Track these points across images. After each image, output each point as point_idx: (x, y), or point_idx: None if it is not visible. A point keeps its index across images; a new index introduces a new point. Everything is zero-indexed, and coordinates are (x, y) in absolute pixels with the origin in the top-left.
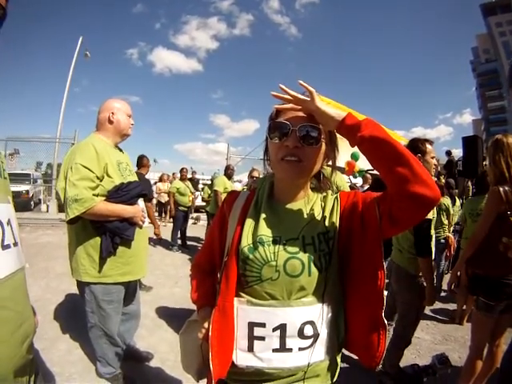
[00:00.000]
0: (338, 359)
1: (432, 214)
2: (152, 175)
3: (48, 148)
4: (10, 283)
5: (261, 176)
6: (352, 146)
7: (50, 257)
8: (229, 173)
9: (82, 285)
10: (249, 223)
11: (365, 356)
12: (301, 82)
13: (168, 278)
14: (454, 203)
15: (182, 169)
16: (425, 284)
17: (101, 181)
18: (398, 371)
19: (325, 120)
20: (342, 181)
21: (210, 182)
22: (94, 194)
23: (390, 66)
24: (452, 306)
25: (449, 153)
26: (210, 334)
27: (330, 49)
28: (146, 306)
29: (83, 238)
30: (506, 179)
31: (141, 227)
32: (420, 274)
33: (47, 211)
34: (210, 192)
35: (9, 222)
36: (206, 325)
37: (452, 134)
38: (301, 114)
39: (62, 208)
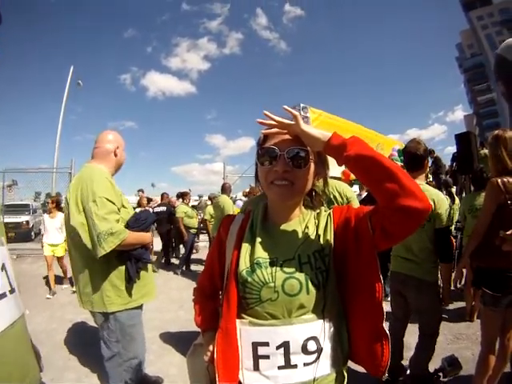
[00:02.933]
0: (345, 371)
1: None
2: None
3: (45, 178)
4: (11, 334)
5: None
6: (339, 165)
7: None
8: (229, 193)
9: (105, 315)
10: (245, 247)
11: (370, 366)
12: (285, 106)
13: (172, 301)
14: (453, 201)
15: (184, 192)
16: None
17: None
18: (409, 375)
19: (311, 142)
20: (352, 192)
21: (209, 203)
22: None
23: (381, 71)
24: (460, 304)
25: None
26: (215, 356)
27: (318, 59)
28: (153, 330)
29: (107, 270)
30: (509, 172)
31: (151, 251)
32: (438, 281)
33: None
34: (212, 213)
35: (3, 267)
36: (210, 347)
37: (446, 133)
38: (287, 137)
39: None
